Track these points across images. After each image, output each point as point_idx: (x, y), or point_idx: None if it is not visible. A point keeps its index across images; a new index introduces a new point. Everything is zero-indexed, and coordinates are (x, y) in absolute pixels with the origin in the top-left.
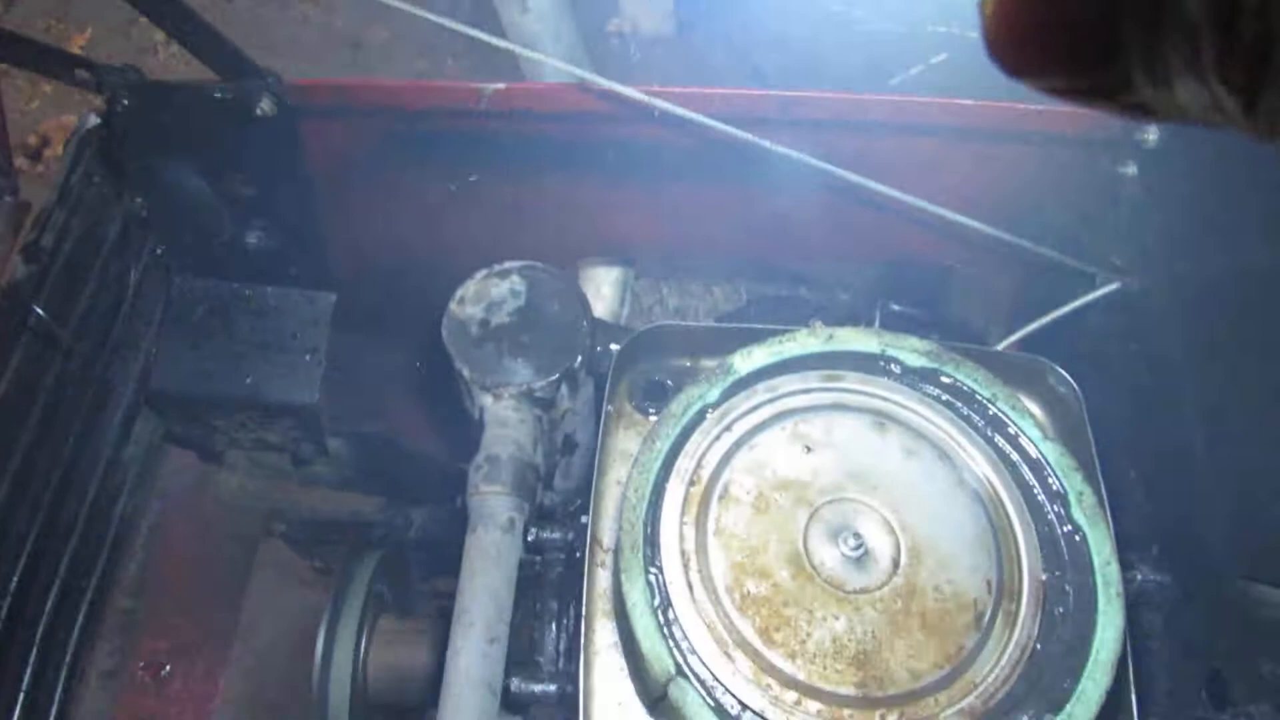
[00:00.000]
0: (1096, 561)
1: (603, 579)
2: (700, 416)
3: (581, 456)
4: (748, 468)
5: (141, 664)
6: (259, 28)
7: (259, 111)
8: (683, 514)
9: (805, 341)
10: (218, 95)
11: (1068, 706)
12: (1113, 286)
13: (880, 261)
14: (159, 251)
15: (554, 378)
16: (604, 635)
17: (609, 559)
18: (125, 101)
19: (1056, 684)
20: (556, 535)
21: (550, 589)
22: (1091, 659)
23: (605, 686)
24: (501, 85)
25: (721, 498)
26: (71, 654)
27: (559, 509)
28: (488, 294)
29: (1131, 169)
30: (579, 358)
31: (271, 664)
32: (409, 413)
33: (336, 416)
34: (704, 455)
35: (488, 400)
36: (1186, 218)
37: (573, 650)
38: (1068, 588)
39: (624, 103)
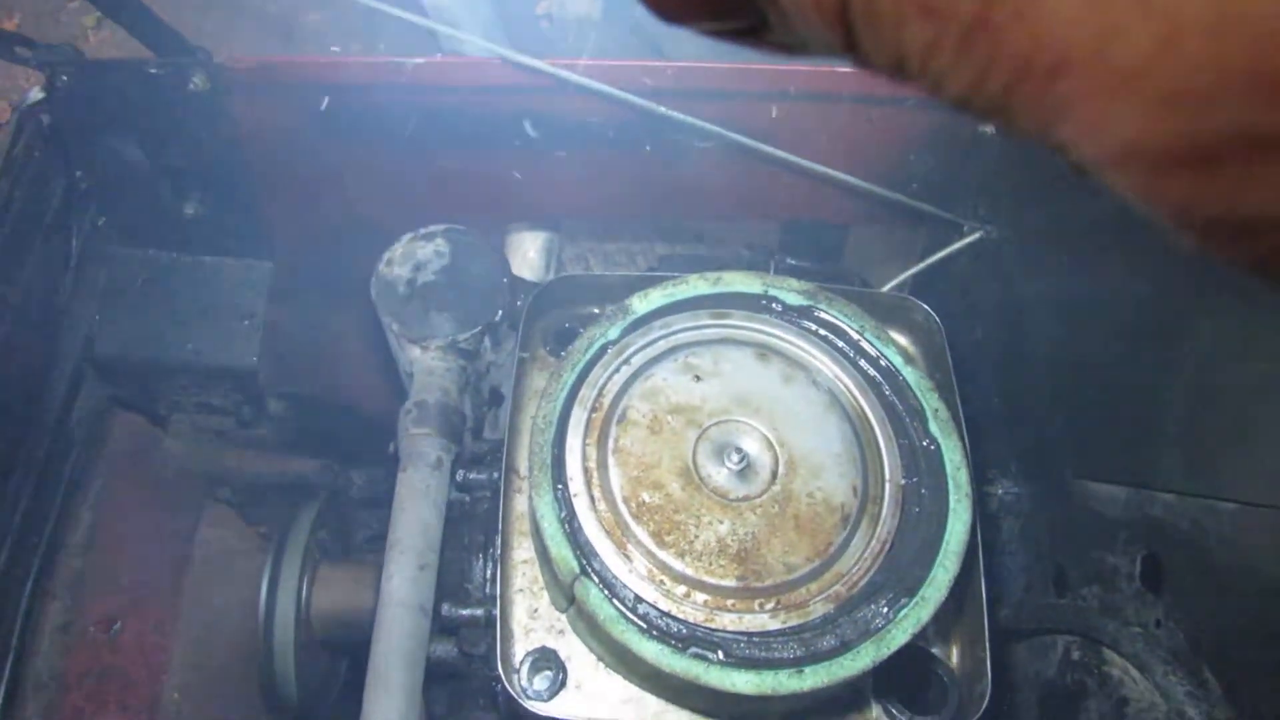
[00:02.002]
0: (949, 468)
1: (519, 503)
2: (602, 352)
3: (505, 408)
4: (644, 395)
5: (93, 621)
6: (194, 13)
7: (192, 86)
8: (585, 436)
9: (696, 284)
10: (152, 71)
11: (921, 590)
12: (976, 235)
13: (779, 220)
14: (100, 222)
15: (476, 330)
16: (520, 553)
17: (523, 484)
18: (65, 78)
19: (912, 573)
20: (483, 476)
21: (478, 523)
22: (943, 550)
23: (521, 597)
24: (422, 60)
25: (620, 421)
26: (24, 612)
27: (488, 455)
28: (414, 255)
29: (990, 128)
30: (499, 312)
31: (219, 624)
32: (350, 375)
33: (277, 379)
34: (604, 385)
35: (416, 352)
36: (1033, 173)
37: (497, 575)
38: (924, 491)
39: (537, 76)
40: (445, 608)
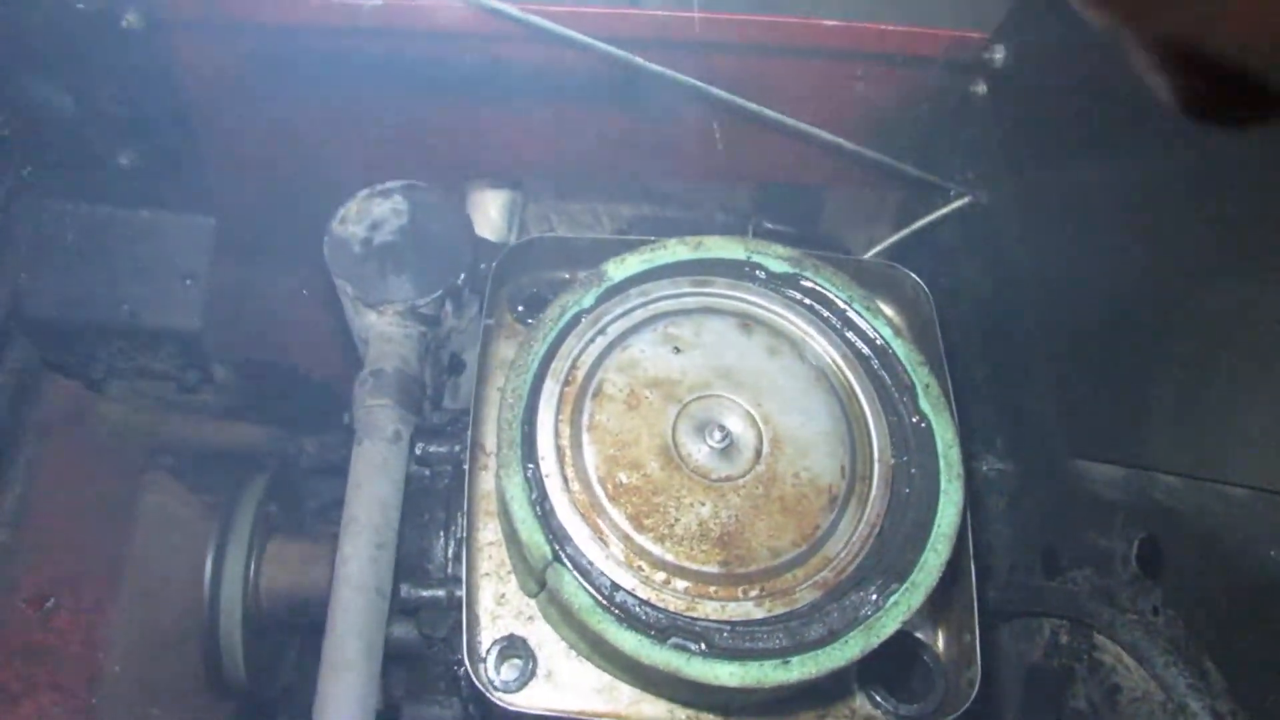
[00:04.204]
0: (940, 446)
1: (485, 481)
2: (575, 321)
3: (468, 376)
4: (620, 367)
5: (23, 598)
6: None
7: (124, 24)
8: (558, 412)
9: (675, 249)
10: (80, 6)
11: (912, 575)
12: (963, 200)
13: (756, 181)
14: (25, 172)
15: (437, 294)
16: (486, 534)
17: (490, 461)
18: None
19: (902, 557)
20: (444, 449)
21: (438, 499)
22: (934, 532)
23: (487, 582)
24: (380, 1)
25: (595, 395)
26: None
27: (447, 427)
28: (370, 213)
29: (982, 88)
30: (462, 275)
31: (163, 598)
32: (301, 340)
33: (223, 343)
34: (578, 357)
35: (372, 317)
36: (1028, 136)
37: (460, 554)
38: (914, 471)
39: (504, 21)
40: (404, 589)
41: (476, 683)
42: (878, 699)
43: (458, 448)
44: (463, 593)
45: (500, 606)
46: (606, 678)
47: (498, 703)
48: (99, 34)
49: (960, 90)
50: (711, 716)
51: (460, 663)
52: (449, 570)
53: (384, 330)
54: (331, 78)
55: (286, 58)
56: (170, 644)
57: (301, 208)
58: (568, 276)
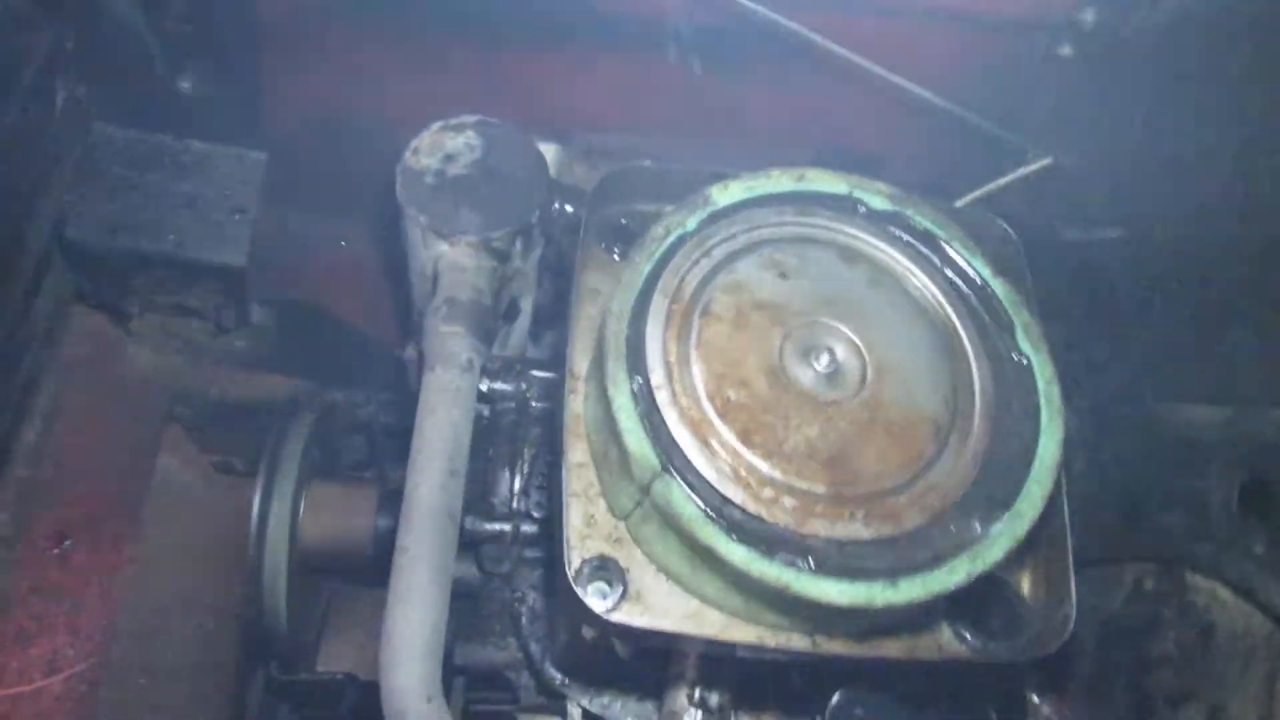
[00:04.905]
0: (1040, 384)
1: (574, 404)
2: (680, 243)
3: (519, 325)
4: (726, 289)
5: (42, 535)
6: None
7: None
8: (665, 328)
9: (779, 179)
10: None
11: (1016, 505)
12: (1045, 161)
13: (815, 146)
14: (81, 92)
15: (511, 229)
16: (574, 455)
17: (579, 385)
18: None
19: (1005, 489)
20: (508, 386)
21: (503, 435)
22: (1036, 465)
23: (575, 503)
24: None
25: (703, 314)
26: None
27: (510, 367)
28: (443, 146)
29: (1068, 49)
30: (537, 212)
31: (183, 550)
32: (342, 288)
33: (261, 283)
34: (685, 276)
35: (443, 248)
36: (1120, 100)
37: (528, 489)
38: (1014, 406)
39: None
40: (468, 521)
41: (577, 593)
42: (966, 635)
43: (523, 385)
44: (561, 507)
45: (589, 528)
46: (695, 603)
47: (598, 616)
48: None
49: (1043, 52)
50: (800, 639)
51: (521, 600)
52: (514, 505)
53: (457, 260)
54: (405, 12)
55: None
56: (186, 598)
57: (348, 150)
58: (654, 210)
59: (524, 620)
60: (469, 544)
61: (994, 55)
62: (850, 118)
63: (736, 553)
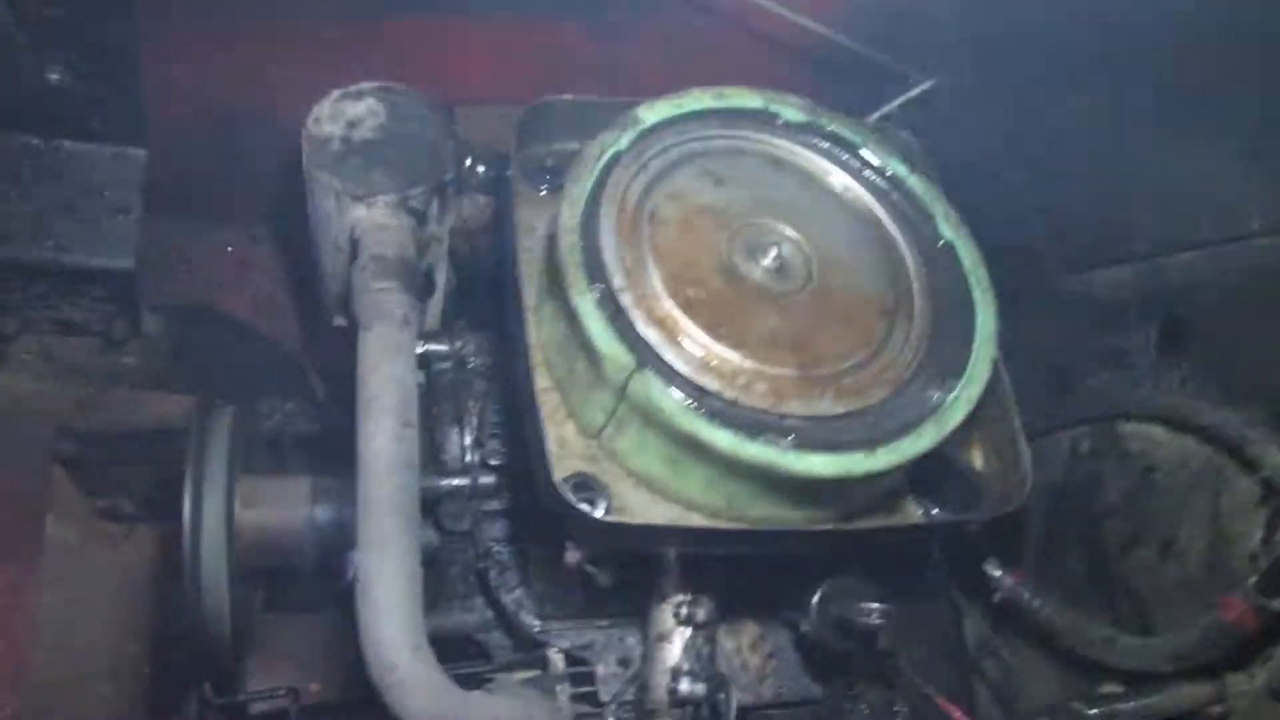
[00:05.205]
0: (967, 263)
1: (531, 334)
2: (615, 160)
3: (435, 299)
4: (668, 196)
5: None
6: None
7: None
8: (617, 236)
9: (700, 97)
10: None
11: (967, 371)
12: (927, 84)
13: None
14: None
15: (426, 186)
16: (538, 382)
17: (531, 316)
18: None
19: (954, 358)
20: (444, 346)
21: (444, 394)
22: (978, 335)
23: (548, 427)
24: None
25: (651, 220)
26: None
27: (437, 331)
28: (344, 113)
29: None
30: (451, 170)
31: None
32: (230, 289)
33: (149, 291)
34: (627, 188)
35: (361, 211)
36: (994, 22)
37: (480, 441)
38: (947, 286)
39: None
40: (422, 480)
41: (566, 499)
42: (932, 510)
43: (458, 343)
44: (541, 432)
45: (562, 449)
46: (678, 509)
47: (591, 518)
48: None
49: None
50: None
51: (486, 554)
52: (467, 459)
53: (377, 220)
54: None
55: None
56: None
57: (234, 144)
58: (575, 147)
59: (492, 574)
60: (426, 504)
61: None
62: (736, 65)
63: (721, 437)
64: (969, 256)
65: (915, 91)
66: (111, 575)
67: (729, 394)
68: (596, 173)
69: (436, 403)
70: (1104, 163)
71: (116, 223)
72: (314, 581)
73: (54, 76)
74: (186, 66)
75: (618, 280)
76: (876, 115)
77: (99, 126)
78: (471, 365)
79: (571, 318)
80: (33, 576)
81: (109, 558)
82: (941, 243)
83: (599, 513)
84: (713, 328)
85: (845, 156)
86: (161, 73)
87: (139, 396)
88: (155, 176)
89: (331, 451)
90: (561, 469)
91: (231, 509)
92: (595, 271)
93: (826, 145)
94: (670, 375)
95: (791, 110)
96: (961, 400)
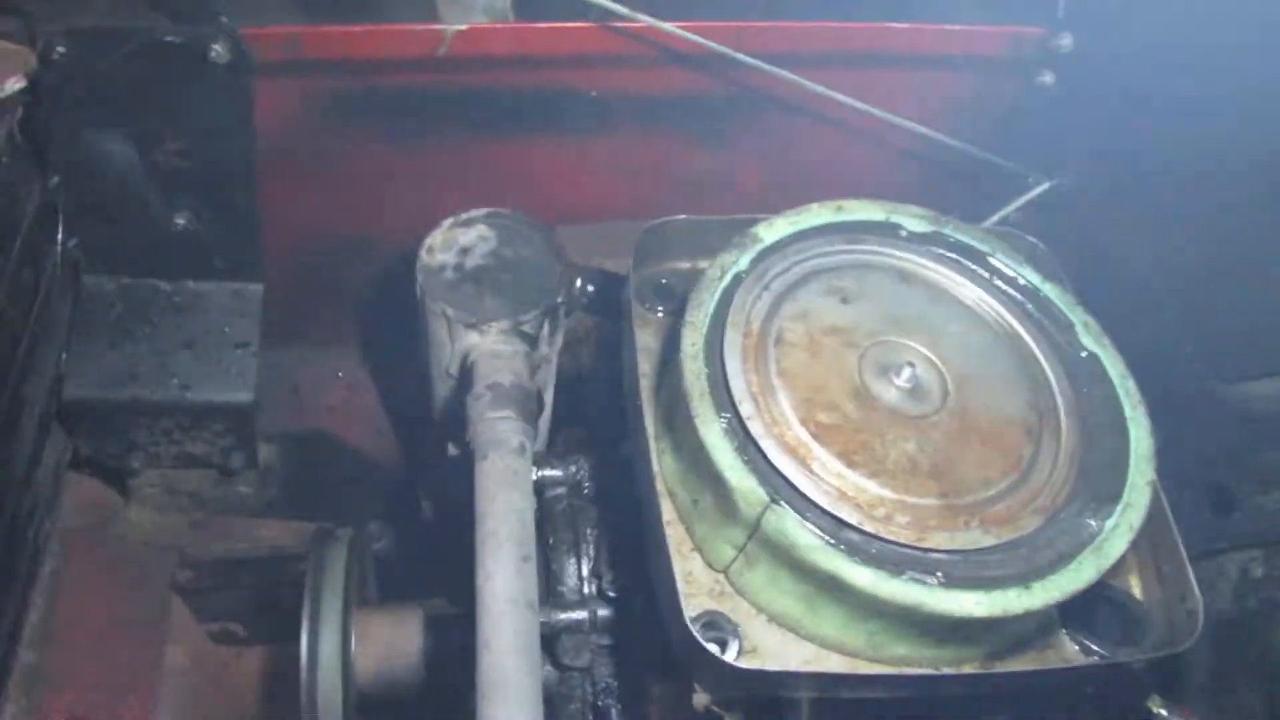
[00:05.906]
0: (1114, 376)
1: (654, 464)
2: (737, 281)
3: (544, 419)
4: (794, 317)
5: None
6: None
7: (212, 55)
8: (743, 360)
9: (819, 212)
10: (168, 40)
11: (1124, 496)
12: (1045, 185)
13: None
14: (70, 245)
15: (538, 311)
16: (664, 514)
17: (655, 446)
18: (61, 50)
19: (1108, 482)
20: (558, 472)
21: (562, 521)
22: (1132, 456)
23: (674, 560)
24: (464, 26)
25: (776, 343)
26: None
27: (548, 457)
28: (456, 241)
29: (1049, 77)
30: (560, 295)
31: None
32: (341, 417)
33: (266, 418)
34: (750, 310)
35: (474, 338)
36: (1107, 116)
37: (598, 572)
38: (1094, 401)
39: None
40: (541, 614)
41: (700, 643)
42: (1089, 645)
43: (573, 468)
44: (669, 567)
45: (689, 585)
46: (812, 648)
47: (723, 663)
48: (182, 71)
49: (1026, 83)
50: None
51: (607, 690)
52: (585, 590)
53: (491, 348)
54: (398, 119)
55: (358, 98)
56: None
57: (339, 275)
58: (689, 267)
59: (614, 713)
60: (545, 639)
61: (980, 91)
62: (852, 171)
63: (862, 575)
64: (1115, 368)
65: (1035, 192)
66: (220, 697)
67: (870, 527)
68: (718, 295)
69: (554, 531)
70: (1254, 266)
71: (236, 357)
72: (425, 715)
73: (180, 222)
74: (299, 203)
75: (746, 408)
76: (994, 218)
77: (220, 265)
78: (588, 490)
79: (698, 448)
80: (155, 707)
81: (220, 680)
82: (1084, 354)
83: (731, 656)
84: (847, 455)
85: (974, 266)
86: (275, 209)
87: (253, 523)
88: (265, 306)
89: (443, 575)
90: (690, 607)
91: (348, 645)
92: (721, 399)
93: (954, 256)
94: (805, 508)
95: (915, 220)
96: (1122, 528)
